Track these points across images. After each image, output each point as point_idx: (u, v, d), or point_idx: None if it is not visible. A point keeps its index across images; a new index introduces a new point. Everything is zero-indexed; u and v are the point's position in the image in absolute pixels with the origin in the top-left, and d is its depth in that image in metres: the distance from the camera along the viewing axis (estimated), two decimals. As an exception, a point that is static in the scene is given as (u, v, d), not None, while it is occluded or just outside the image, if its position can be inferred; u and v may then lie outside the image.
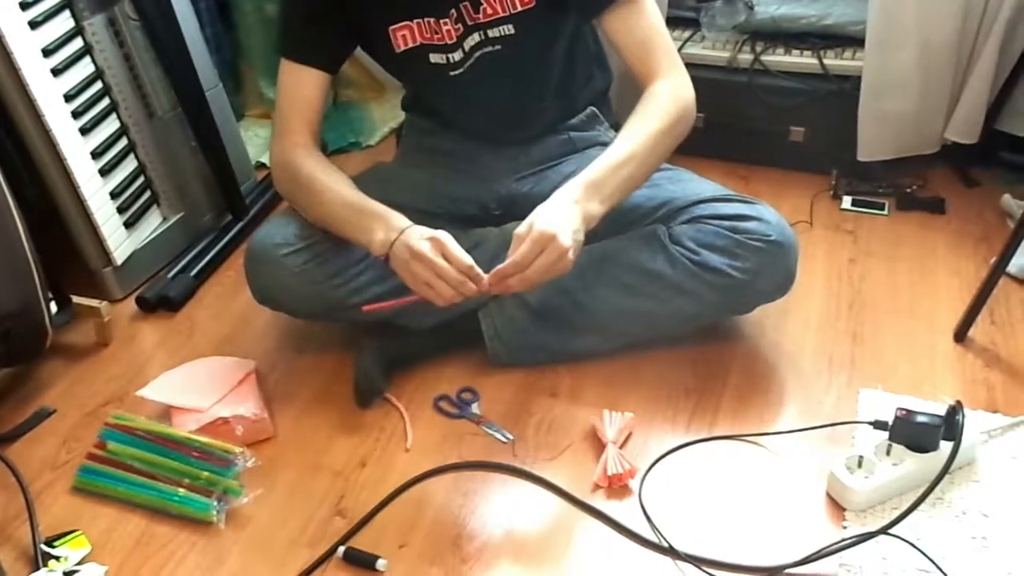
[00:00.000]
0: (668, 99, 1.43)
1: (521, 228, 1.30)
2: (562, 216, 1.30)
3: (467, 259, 1.31)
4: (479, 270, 1.31)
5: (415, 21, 1.47)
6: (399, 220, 1.37)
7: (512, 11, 1.45)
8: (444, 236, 1.32)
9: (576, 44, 1.59)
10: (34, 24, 1.66)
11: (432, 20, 1.46)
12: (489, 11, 1.45)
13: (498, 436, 1.44)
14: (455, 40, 1.48)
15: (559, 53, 1.57)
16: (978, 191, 2.03)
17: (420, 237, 1.32)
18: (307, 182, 1.47)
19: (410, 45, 1.49)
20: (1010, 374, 1.52)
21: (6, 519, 1.34)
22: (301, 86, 1.50)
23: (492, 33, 1.48)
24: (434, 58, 1.50)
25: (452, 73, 1.52)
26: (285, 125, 1.52)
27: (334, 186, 1.45)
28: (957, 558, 1.20)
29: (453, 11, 1.45)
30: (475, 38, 1.48)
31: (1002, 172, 2.05)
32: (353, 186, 1.46)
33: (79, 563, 1.25)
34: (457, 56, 1.50)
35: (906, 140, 2.01)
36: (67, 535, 1.29)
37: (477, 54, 1.50)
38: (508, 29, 1.47)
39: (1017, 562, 1.20)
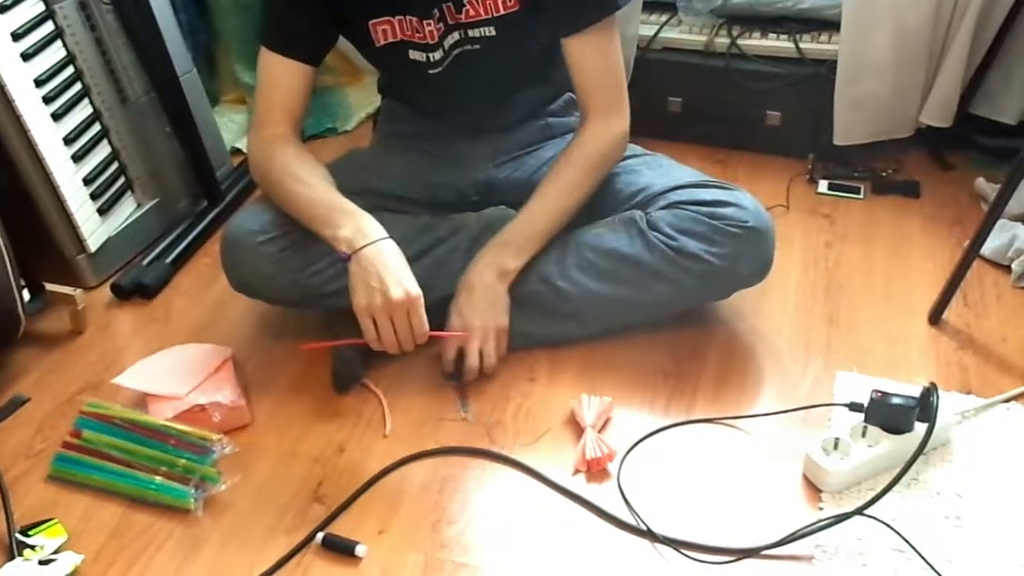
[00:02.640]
0: (593, 147, 1.51)
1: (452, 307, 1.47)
2: (475, 299, 1.46)
3: (424, 328, 1.35)
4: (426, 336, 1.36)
5: (396, 18, 1.45)
6: (371, 227, 1.36)
7: (495, 14, 1.45)
8: (417, 299, 1.33)
9: (557, 37, 1.58)
10: (3, 8, 1.63)
11: (415, 19, 1.45)
12: (471, 12, 1.44)
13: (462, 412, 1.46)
14: (436, 40, 1.47)
15: (538, 49, 1.57)
16: (952, 175, 2.04)
17: (397, 282, 1.32)
18: (280, 176, 1.45)
19: (390, 40, 1.48)
20: (983, 356, 1.53)
21: (-20, 509, 1.33)
22: (282, 77, 1.48)
23: (472, 33, 1.47)
24: (414, 55, 1.49)
25: (431, 71, 1.51)
26: (263, 116, 1.50)
27: (306, 179, 1.43)
28: (932, 538, 1.21)
29: (436, 11, 1.44)
30: (455, 37, 1.47)
31: (976, 155, 2.07)
32: (327, 181, 1.45)
33: (55, 552, 1.24)
34: (437, 55, 1.49)
35: (881, 124, 2.02)
36: (43, 524, 1.28)
37: (456, 52, 1.49)
38: (489, 31, 1.46)
39: (990, 541, 1.21)
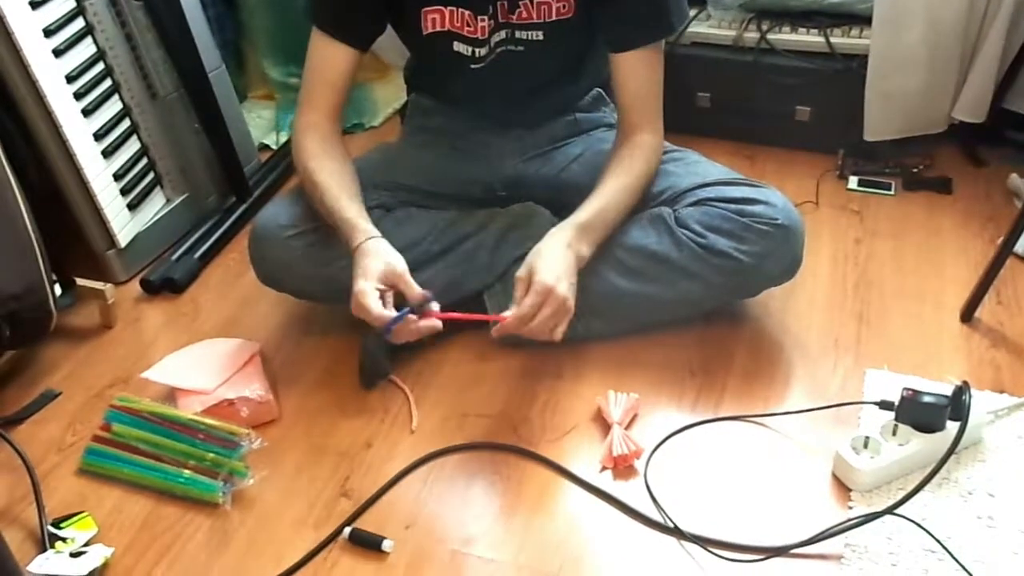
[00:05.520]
0: (650, 158, 1.49)
1: (521, 272, 1.33)
2: (560, 264, 1.33)
3: (374, 314, 1.29)
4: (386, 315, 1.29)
5: (448, 8, 1.45)
6: (354, 240, 1.36)
7: (547, 19, 1.45)
8: (357, 296, 1.30)
9: (594, 42, 1.57)
10: (35, 4, 1.64)
11: (468, 13, 1.45)
12: (524, 15, 1.44)
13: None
14: (485, 36, 1.47)
15: (577, 54, 1.56)
16: (985, 171, 2.02)
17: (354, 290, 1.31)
18: (302, 169, 1.47)
19: (437, 29, 1.48)
20: (1017, 354, 1.51)
21: (13, 501, 1.35)
22: (329, 61, 1.48)
23: (520, 35, 1.47)
24: (458, 47, 1.49)
25: (473, 66, 1.51)
26: (307, 100, 1.50)
27: (319, 179, 1.43)
28: (963, 538, 1.20)
29: (491, 7, 1.44)
30: (501, 35, 1.47)
31: (1010, 151, 2.04)
32: (342, 179, 1.44)
33: (86, 544, 1.25)
34: (482, 51, 1.49)
35: (913, 119, 2.00)
36: (74, 516, 1.30)
37: (499, 50, 1.49)
38: (537, 35, 1.47)
39: (1023, 542, 1.20)
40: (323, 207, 1.43)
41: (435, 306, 1.34)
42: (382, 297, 1.32)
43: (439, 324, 1.34)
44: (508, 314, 1.33)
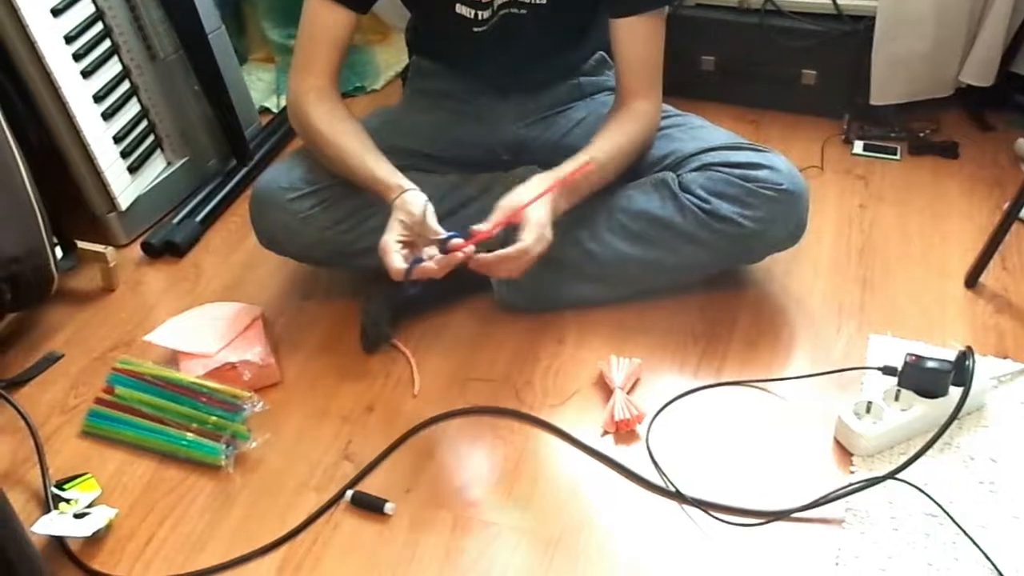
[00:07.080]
0: (646, 123, 1.49)
1: (503, 201, 1.34)
2: (545, 210, 1.34)
3: (394, 268, 1.29)
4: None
5: None
6: (390, 194, 1.36)
7: None
8: (381, 248, 1.30)
9: (598, 6, 1.55)
10: (33, -36, 1.63)
11: None
12: None
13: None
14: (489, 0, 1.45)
15: (581, 18, 1.54)
16: (992, 135, 2.00)
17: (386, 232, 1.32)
18: (315, 134, 1.45)
19: None
20: (1021, 320, 1.51)
21: (16, 462, 1.35)
22: (328, 24, 1.45)
23: None
24: (460, 9, 1.47)
25: (476, 29, 1.49)
26: (305, 64, 1.47)
27: (340, 142, 1.42)
28: (964, 503, 1.20)
29: None
30: None
31: (1017, 116, 2.02)
32: (362, 139, 1.43)
33: (89, 506, 1.26)
34: (485, 14, 1.47)
35: (920, 83, 1.98)
36: (77, 478, 1.30)
37: (502, 13, 1.47)
38: None
39: (1024, 507, 1.20)
40: (347, 169, 1.42)
41: (459, 241, 1.31)
42: (411, 244, 1.32)
43: (458, 256, 1.30)
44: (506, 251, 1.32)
